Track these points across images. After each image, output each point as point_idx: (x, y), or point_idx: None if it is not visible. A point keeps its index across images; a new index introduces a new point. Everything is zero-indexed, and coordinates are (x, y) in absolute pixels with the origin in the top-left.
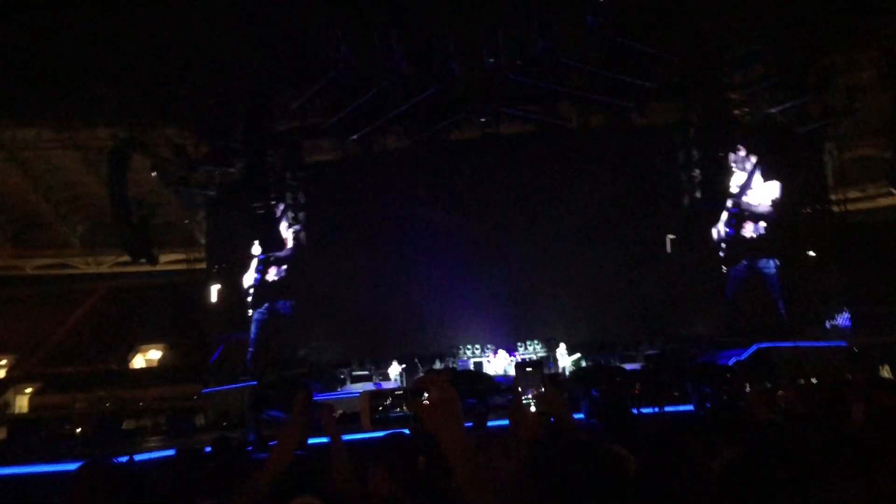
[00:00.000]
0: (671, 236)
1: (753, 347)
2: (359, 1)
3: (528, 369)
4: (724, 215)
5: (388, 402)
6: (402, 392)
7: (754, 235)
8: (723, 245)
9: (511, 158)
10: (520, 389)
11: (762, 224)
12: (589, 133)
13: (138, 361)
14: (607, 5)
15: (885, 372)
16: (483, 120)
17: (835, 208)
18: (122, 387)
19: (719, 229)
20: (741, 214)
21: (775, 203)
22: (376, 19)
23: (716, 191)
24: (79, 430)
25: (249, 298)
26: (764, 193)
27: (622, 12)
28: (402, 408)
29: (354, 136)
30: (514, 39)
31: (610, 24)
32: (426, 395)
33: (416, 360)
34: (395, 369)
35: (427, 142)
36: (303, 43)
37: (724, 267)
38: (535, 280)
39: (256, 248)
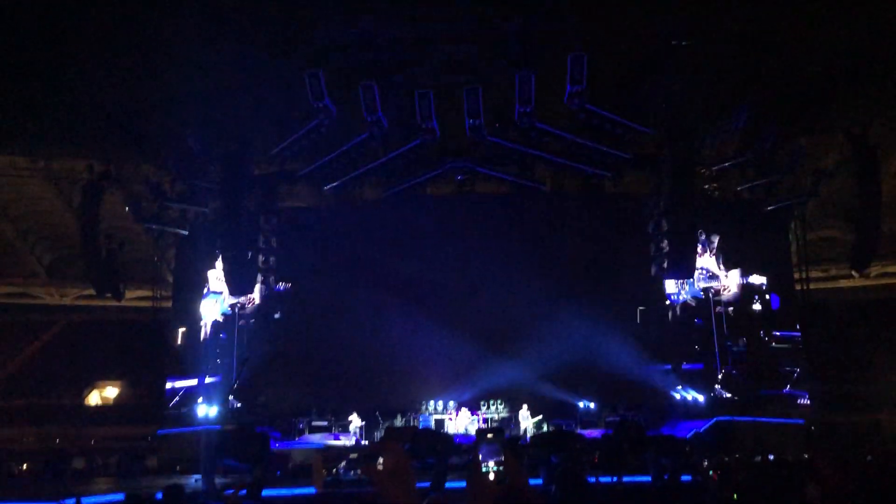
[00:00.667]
0: (642, 308)
1: (713, 420)
2: (344, 55)
3: (489, 436)
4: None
5: (342, 464)
6: (356, 455)
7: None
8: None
9: (485, 216)
10: (479, 456)
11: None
12: (563, 197)
13: (94, 398)
14: (587, 77)
15: None
16: (459, 177)
17: (797, 287)
18: (74, 423)
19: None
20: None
21: (741, 287)
22: (361, 73)
23: (682, 263)
24: (24, 466)
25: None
26: (731, 280)
27: (601, 83)
28: (355, 471)
29: (331, 185)
30: (494, 102)
31: (589, 94)
32: (381, 460)
33: (378, 414)
34: (355, 423)
35: (403, 195)
36: (286, 90)
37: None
38: (501, 340)
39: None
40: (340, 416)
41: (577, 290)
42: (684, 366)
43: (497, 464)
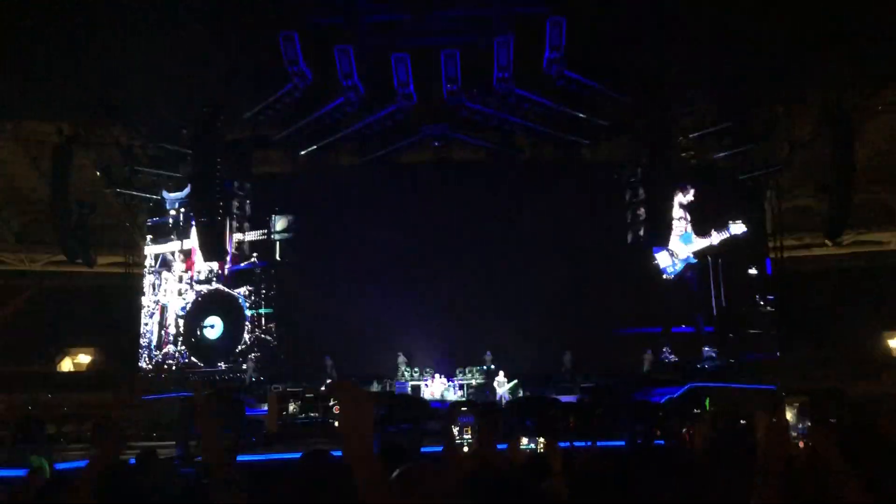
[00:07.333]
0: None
1: (687, 386)
2: (321, 17)
3: (463, 408)
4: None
5: (291, 406)
6: (312, 395)
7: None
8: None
9: (462, 184)
10: (454, 428)
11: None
12: (540, 165)
13: (66, 365)
14: (565, 44)
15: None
16: (436, 144)
17: (771, 255)
18: (46, 390)
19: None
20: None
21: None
22: (337, 37)
23: (658, 231)
24: None
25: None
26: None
27: (579, 50)
28: (308, 413)
29: (305, 151)
30: (472, 67)
31: (567, 61)
32: (338, 399)
33: (354, 381)
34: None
35: (379, 161)
36: (261, 53)
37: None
38: (478, 306)
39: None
40: (315, 383)
41: (555, 259)
42: (674, 329)
43: (472, 434)
